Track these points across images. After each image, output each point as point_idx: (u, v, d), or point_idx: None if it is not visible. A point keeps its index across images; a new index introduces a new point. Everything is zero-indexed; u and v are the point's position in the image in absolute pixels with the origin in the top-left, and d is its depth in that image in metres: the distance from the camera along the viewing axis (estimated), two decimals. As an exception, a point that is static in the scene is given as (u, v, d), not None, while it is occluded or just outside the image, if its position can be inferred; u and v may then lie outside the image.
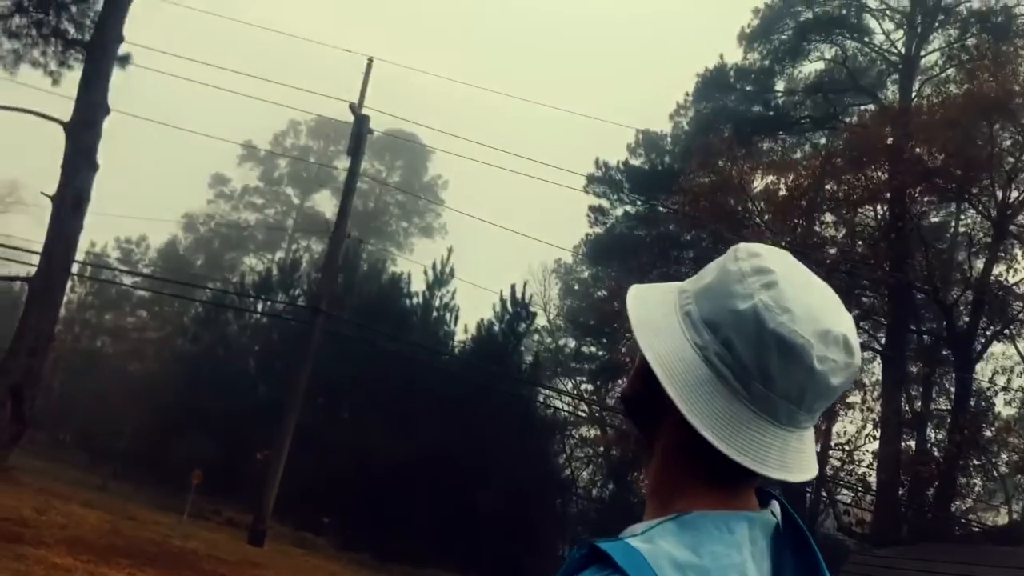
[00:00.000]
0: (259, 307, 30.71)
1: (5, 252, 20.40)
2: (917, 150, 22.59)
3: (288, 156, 59.01)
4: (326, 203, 58.28)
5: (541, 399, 28.48)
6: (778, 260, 1.03)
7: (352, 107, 22.33)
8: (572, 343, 35.84)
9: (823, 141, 28.01)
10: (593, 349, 34.25)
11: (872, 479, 23.81)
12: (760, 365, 0.97)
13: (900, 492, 23.00)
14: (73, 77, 16.85)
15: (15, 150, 53.91)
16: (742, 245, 1.07)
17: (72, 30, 17.07)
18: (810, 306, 0.98)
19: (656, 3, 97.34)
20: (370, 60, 22.59)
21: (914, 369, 24.81)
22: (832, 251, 24.42)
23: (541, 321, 34.05)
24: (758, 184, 25.85)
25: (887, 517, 22.52)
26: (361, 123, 22.11)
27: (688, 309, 1.05)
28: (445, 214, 58.58)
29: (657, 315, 1.08)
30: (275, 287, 30.47)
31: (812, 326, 0.97)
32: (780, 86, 29.68)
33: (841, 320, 1.01)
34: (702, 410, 0.97)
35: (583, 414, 31.29)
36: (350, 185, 23.17)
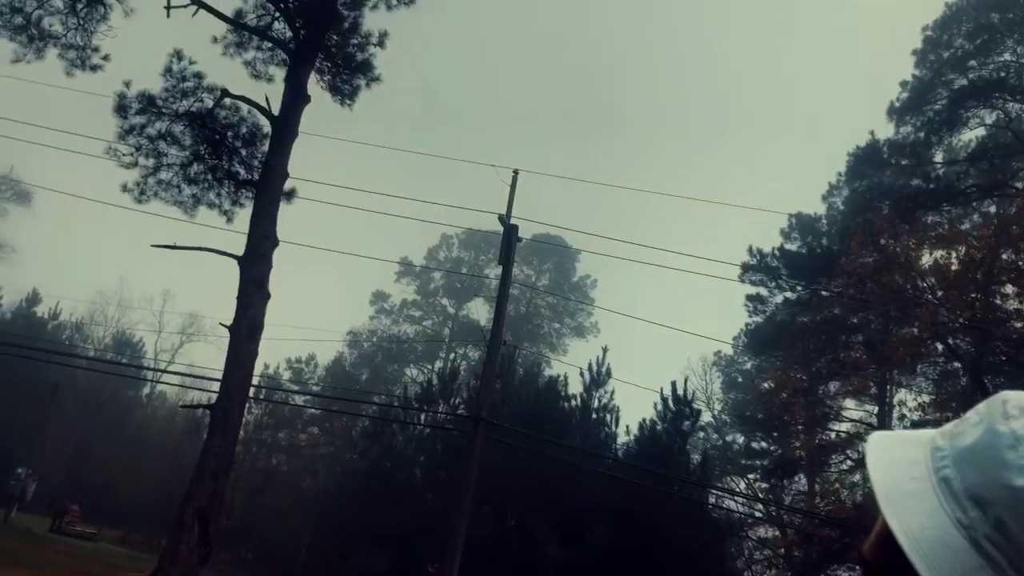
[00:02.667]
0: (422, 418, 31.29)
1: (188, 380, 21.73)
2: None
3: (442, 269, 61.00)
4: (480, 311, 59.63)
5: (713, 500, 27.27)
6: None
7: (500, 218, 22.87)
8: (740, 439, 34.43)
9: (993, 210, 26.34)
10: (764, 444, 32.74)
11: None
12: None
13: None
14: (244, 214, 18.17)
15: (196, 284, 58.43)
16: (1011, 396, 0.88)
17: (242, 171, 18.49)
18: None
19: (793, 87, 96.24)
20: (515, 172, 23.18)
21: None
22: (1018, 325, 22.60)
23: (706, 417, 33.04)
24: (926, 260, 24.51)
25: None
26: (510, 233, 22.56)
27: (946, 474, 0.87)
28: (596, 313, 58.67)
29: (905, 477, 0.91)
30: (436, 397, 31.02)
31: None
32: (939, 157, 28.32)
33: None
34: None
35: (759, 514, 29.67)
36: (502, 293, 23.52)
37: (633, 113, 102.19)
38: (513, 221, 23.46)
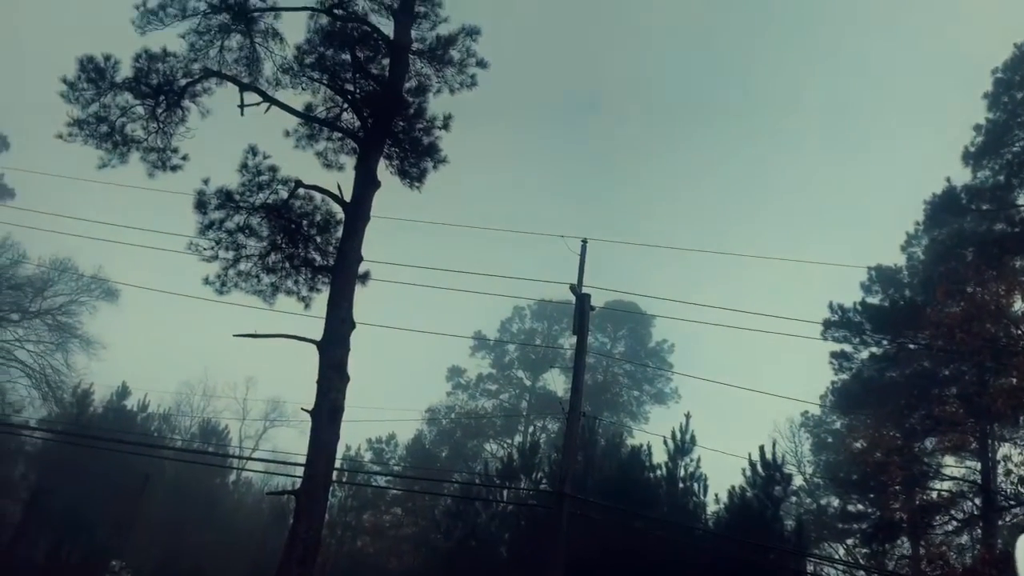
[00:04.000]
0: (505, 495, 30.89)
1: (273, 466, 21.92)
2: None
3: (516, 341, 61.04)
4: (557, 381, 59.30)
5: (811, 568, 26.11)
6: None
7: (572, 287, 22.83)
8: (836, 502, 33.08)
9: (1086, 249, 25.21)
10: (861, 507, 31.36)
11: None
12: None
13: None
14: (321, 299, 18.51)
15: (277, 370, 59.63)
16: None
17: (318, 258, 18.91)
18: None
19: (859, 139, 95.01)
20: (584, 241, 23.20)
21: None
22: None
23: (797, 481, 31.92)
24: (1018, 306, 23.53)
25: None
26: (582, 302, 22.48)
27: None
28: (676, 378, 57.74)
29: None
30: (518, 473, 30.65)
31: None
32: (1021, 199, 27.40)
33: None
34: None
35: (861, 582, 28.27)
36: (578, 363, 23.31)
37: (697, 174, 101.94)
38: (585, 290, 23.40)
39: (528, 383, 62.16)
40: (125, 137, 18.03)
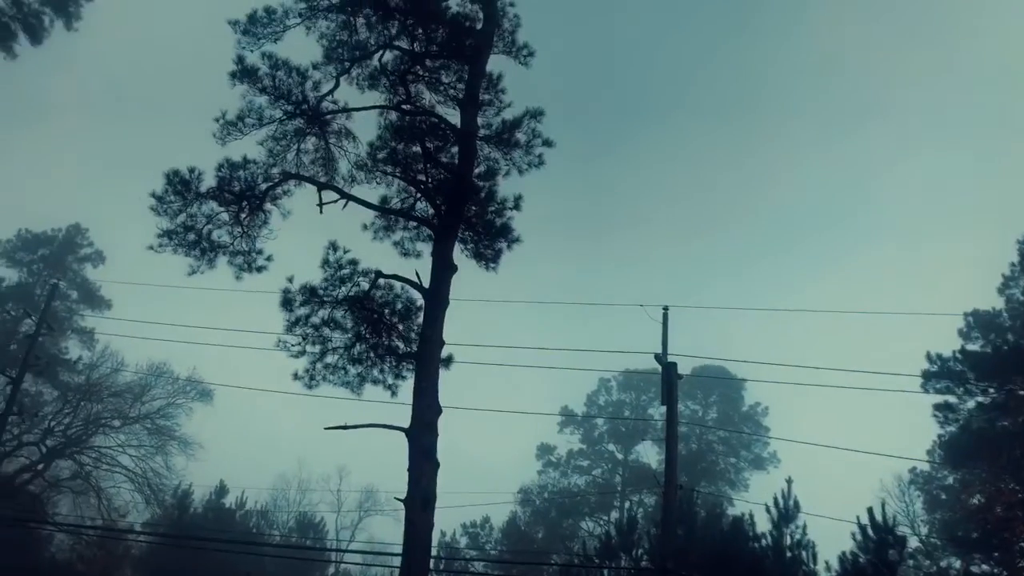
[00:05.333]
0: (605, 574, 30.06)
1: (370, 557, 21.85)
2: None
3: (604, 415, 60.27)
4: (650, 453, 58.12)
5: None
6: None
7: (657, 357, 22.55)
8: (957, 563, 31.13)
9: None
10: (985, 567, 29.44)
11: None
12: None
13: None
14: (407, 386, 18.64)
15: (369, 458, 60.00)
16: None
17: (402, 346, 19.15)
18: None
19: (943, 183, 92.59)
20: (665, 309, 23.02)
21: None
22: None
23: (912, 543, 30.21)
24: None
25: None
26: (668, 371, 22.17)
27: None
28: (773, 442, 55.98)
29: None
30: (617, 550, 29.83)
31: None
32: (1125, 227, 26.16)
33: None
34: None
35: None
36: (670, 434, 22.86)
37: (774, 231, 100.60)
38: (670, 358, 23.08)
39: (620, 456, 61.05)
40: (212, 243, 18.76)
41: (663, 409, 23.87)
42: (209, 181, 18.42)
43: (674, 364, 22.60)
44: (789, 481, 27.12)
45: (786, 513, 26.36)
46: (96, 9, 35.19)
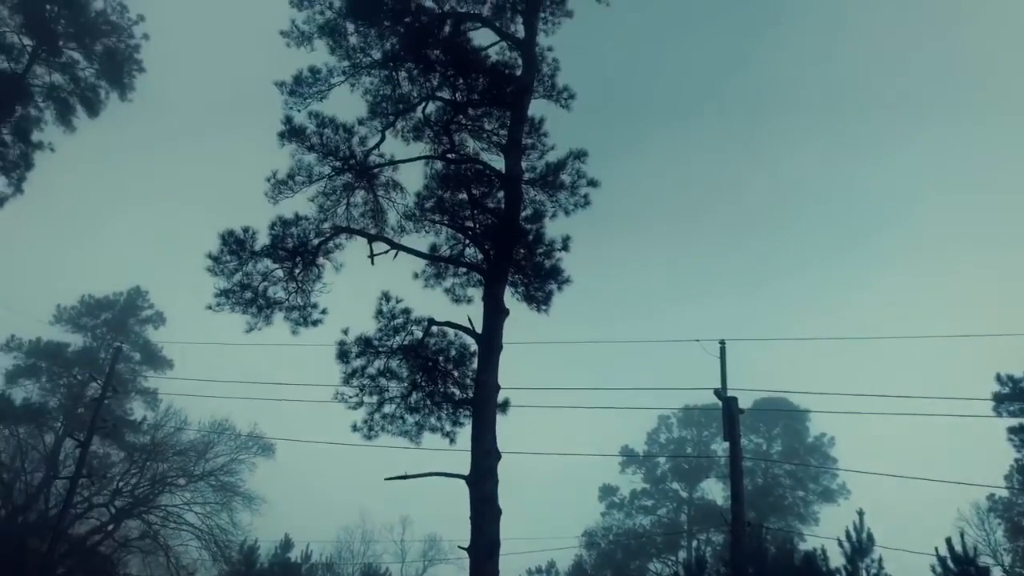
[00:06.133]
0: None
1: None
2: None
3: (665, 453, 59.41)
4: (714, 490, 57.02)
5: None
6: None
7: (716, 392, 22.23)
8: (1045, 593, 29.82)
9: None
10: (1076, 596, 28.16)
11: None
12: None
13: None
14: (465, 432, 18.62)
15: (431, 506, 59.83)
16: None
17: (457, 392, 19.16)
18: None
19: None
20: (722, 343, 22.72)
21: None
22: None
23: (996, 573, 28.98)
24: None
25: None
26: (729, 406, 21.81)
27: None
28: (841, 473, 54.51)
29: None
30: (686, 592, 29.16)
31: None
32: None
33: None
34: None
35: None
36: (734, 470, 22.43)
37: (832, 259, 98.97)
38: (730, 392, 22.72)
39: (685, 495, 59.95)
40: (268, 300, 19.10)
41: (726, 445, 23.45)
42: (263, 239, 18.85)
43: (734, 398, 22.25)
44: (861, 513, 26.30)
45: (860, 547, 25.53)
46: (147, 80, 36.57)
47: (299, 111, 19.36)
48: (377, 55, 20.08)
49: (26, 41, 34.08)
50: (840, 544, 26.02)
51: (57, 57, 34.65)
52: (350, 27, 20.08)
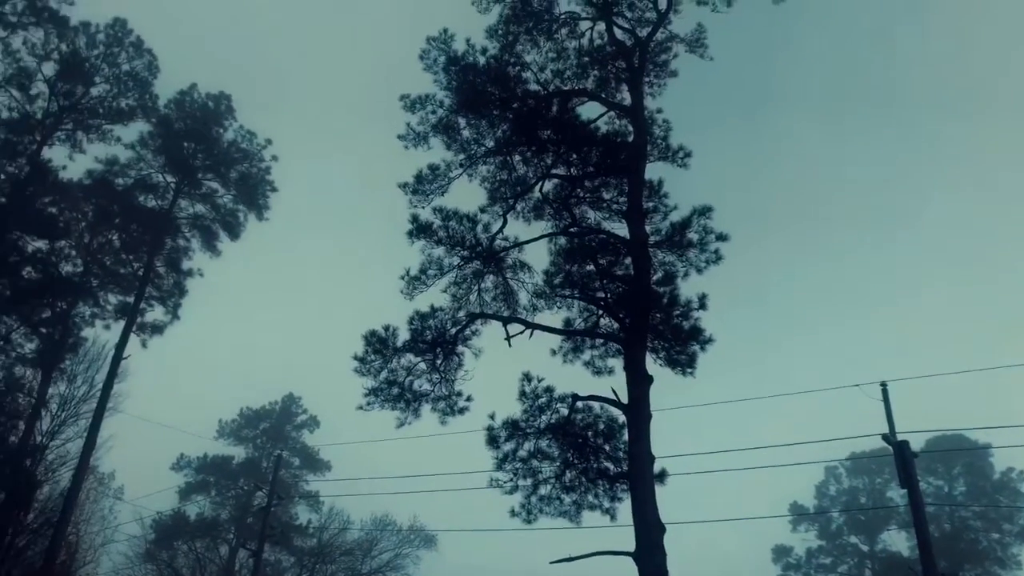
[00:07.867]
0: None
1: None
2: None
3: (838, 506, 56.26)
4: (897, 540, 53.35)
5: None
6: None
7: (885, 437, 20.95)
8: None
9: None
10: None
11: None
12: None
13: None
14: (625, 507, 18.13)
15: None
16: None
17: (611, 466, 18.74)
18: None
19: None
20: (883, 384, 21.50)
21: None
22: None
23: None
24: None
25: None
26: (902, 450, 20.49)
27: None
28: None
29: None
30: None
31: None
32: None
33: None
34: None
35: None
36: (917, 518, 20.91)
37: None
38: (899, 436, 21.37)
39: (864, 548, 56.30)
40: (415, 394, 19.45)
41: (903, 491, 21.94)
42: (403, 335, 19.29)
43: (905, 442, 20.90)
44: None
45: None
46: (280, 199, 38.81)
47: (423, 207, 20.01)
48: (490, 143, 20.61)
49: (169, 178, 36.95)
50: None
51: (197, 189, 37.36)
52: (461, 122, 20.76)
